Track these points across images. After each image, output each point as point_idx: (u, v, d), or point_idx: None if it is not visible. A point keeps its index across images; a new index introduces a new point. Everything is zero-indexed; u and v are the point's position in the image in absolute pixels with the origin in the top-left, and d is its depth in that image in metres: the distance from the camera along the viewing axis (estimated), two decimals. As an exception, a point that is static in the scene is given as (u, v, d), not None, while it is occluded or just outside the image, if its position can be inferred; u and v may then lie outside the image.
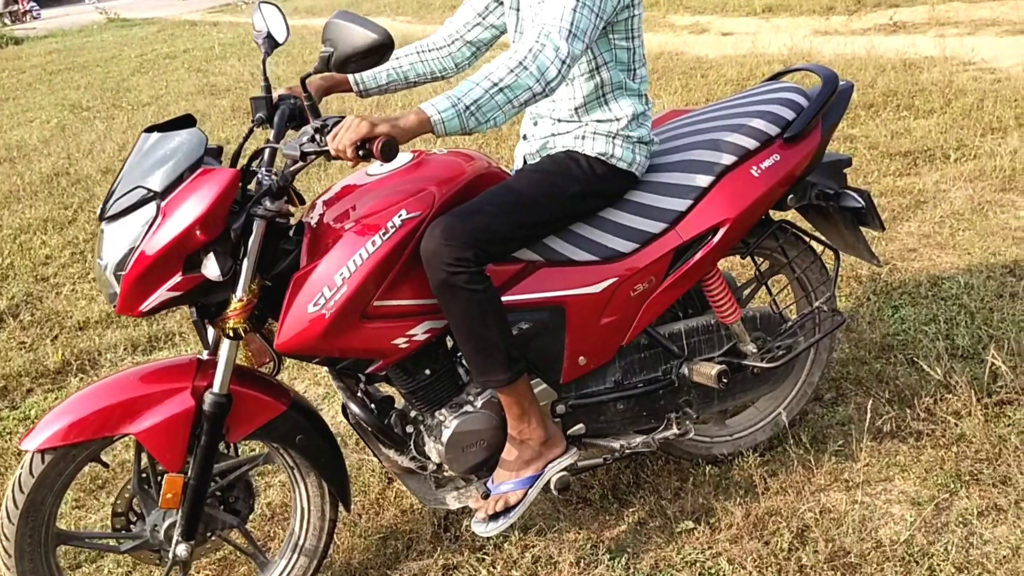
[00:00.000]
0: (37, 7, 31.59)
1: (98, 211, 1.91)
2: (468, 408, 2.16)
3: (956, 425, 2.64)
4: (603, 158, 2.15)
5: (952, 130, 5.13)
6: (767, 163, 2.30)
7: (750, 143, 2.30)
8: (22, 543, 1.95)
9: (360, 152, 1.74)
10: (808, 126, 2.35)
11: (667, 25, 10.45)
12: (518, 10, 2.18)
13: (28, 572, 1.98)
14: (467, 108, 1.79)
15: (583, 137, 2.16)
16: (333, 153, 1.75)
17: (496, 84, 1.80)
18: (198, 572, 2.41)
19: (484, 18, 2.29)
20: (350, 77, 2.26)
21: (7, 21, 28.09)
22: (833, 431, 2.74)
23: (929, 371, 2.79)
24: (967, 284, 3.42)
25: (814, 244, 2.60)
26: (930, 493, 2.41)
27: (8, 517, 1.93)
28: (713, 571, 2.26)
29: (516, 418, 2.13)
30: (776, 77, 2.69)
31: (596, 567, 2.31)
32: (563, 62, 1.84)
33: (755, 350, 2.44)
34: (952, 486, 2.42)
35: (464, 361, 2.13)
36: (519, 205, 2.06)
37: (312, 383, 3.40)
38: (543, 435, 2.16)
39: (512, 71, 1.81)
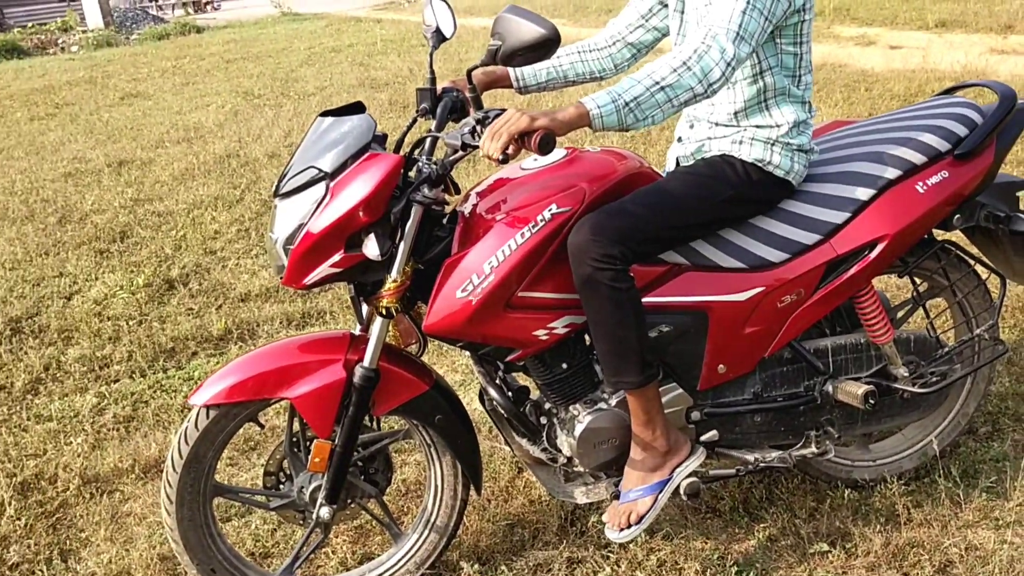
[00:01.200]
0: (218, -1, 33.63)
1: (272, 188, 2.05)
2: (602, 405, 2.18)
3: (1125, 473, 2.45)
4: (760, 164, 2.12)
5: None
6: (934, 179, 2.21)
7: (917, 158, 2.22)
8: (183, 492, 2.11)
9: (514, 146, 1.78)
10: (981, 144, 2.25)
11: (832, 36, 10.10)
12: (683, 12, 2.17)
13: (186, 519, 2.14)
14: (626, 104, 1.80)
15: (740, 142, 2.13)
16: (488, 147, 1.79)
17: (658, 82, 1.81)
18: (336, 537, 2.54)
19: (647, 20, 2.30)
20: (511, 72, 2.32)
21: (191, 11, 30.07)
22: (986, 467, 2.60)
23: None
24: None
25: (979, 268, 2.47)
26: (1089, 541, 2.26)
27: (173, 467, 2.09)
28: (845, 596, 2.20)
29: (641, 424, 2.13)
30: (949, 92, 2.57)
31: (722, 577, 2.29)
32: (728, 64, 1.83)
33: (906, 374, 2.35)
34: (1115, 537, 2.26)
35: (599, 359, 2.16)
36: (670, 206, 2.06)
37: (450, 369, 3.50)
38: (666, 444, 2.16)
39: (675, 70, 1.81)
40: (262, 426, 2.38)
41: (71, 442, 3.17)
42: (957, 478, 2.52)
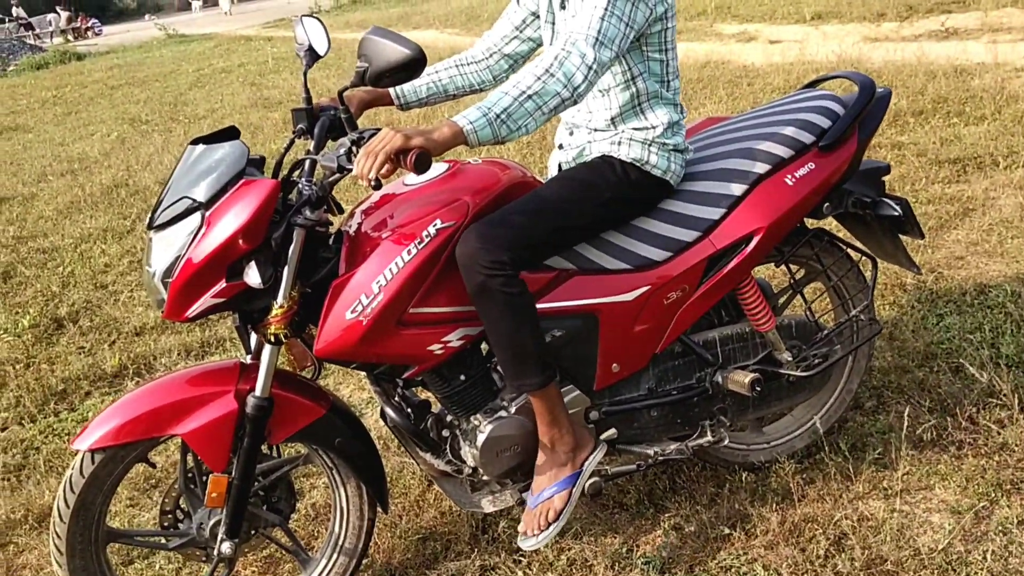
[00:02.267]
0: (99, 24, 32.57)
1: (146, 221, 2.00)
2: (502, 413, 2.20)
3: (999, 434, 2.60)
4: (638, 164, 2.18)
5: (1003, 137, 5.05)
6: (802, 171, 2.31)
7: (784, 151, 2.31)
8: (73, 541, 2.03)
9: (389, 167, 1.77)
10: (844, 134, 2.35)
11: (714, 34, 10.42)
12: (553, 24, 2.22)
13: (79, 569, 2.06)
14: (498, 116, 1.82)
15: (619, 143, 2.19)
16: (363, 168, 1.77)
17: (524, 92, 1.84)
18: (244, 568, 2.49)
19: (521, 31, 2.34)
20: (391, 91, 2.33)
21: (70, 37, 29.01)
22: (873, 439, 2.72)
23: (974, 376, 2.76)
24: (1014, 292, 3.37)
25: (852, 252, 2.59)
26: (970, 502, 2.39)
27: (60, 516, 2.01)
28: (748, 576, 2.27)
29: (547, 424, 2.16)
30: (813, 85, 2.68)
31: (631, 571, 2.33)
32: (589, 68, 1.87)
33: (790, 359, 2.45)
34: (992, 495, 2.40)
35: (498, 365, 2.18)
36: (553, 210, 2.10)
37: (357, 388, 3.47)
38: (573, 441, 2.20)
39: (539, 78, 1.84)
40: (153, 465, 2.32)
41: (-42, 496, 3.02)
42: (846, 452, 2.64)
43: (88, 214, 6.25)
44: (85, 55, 20.20)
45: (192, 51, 18.10)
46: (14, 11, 34.96)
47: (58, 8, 33.65)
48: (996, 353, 2.99)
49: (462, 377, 2.17)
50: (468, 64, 2.40)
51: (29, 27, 31.93)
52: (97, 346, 4.08)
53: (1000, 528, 2.29)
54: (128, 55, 19.31)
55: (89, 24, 32.63)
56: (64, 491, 2.01)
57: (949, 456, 2.59)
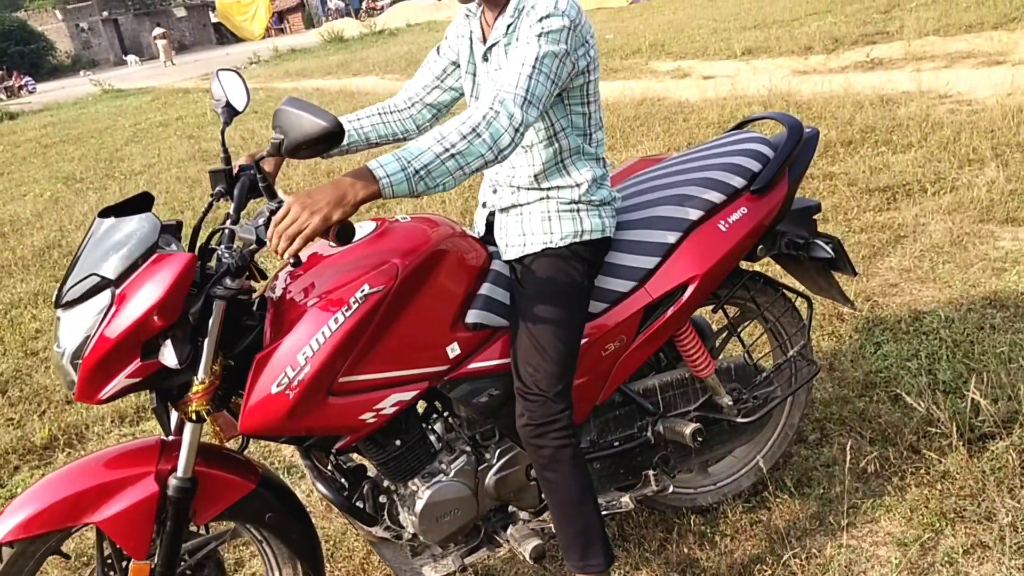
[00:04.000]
0: (32, 82, 32.09)
1: (53, 296, 1.91)
2: (441, 478, 2.15)
3: (940, 462, 2.63)
4: (577, 239, 2.14)
5: (930, 163, 5.19)
6: (734, 216, 2.31)
7: (716, 197, 2.31)
8: None
9: (302, 242, 1.68)
10: (775, 177, 2.36)
11: (649, 71, 10.61)
12: (474, 75, 2.21)
13: None
14: (416, 172, 1.74)
15: (549, 218, 2.14)
16: (279, 248, 1.69)
17: (447, 150, 1.77)
18: (183, 648, 2.38)
19: (442, 81, 2.32)
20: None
21: (2, 96, 28.52)
22: (818, 473, 2.73)
23: (913, 405, 2.79)
24: (948, 318, 3.43)
25: (787, 292, 2.60)
26: (916, 533, 2.40)
27: None
28: (700, 623, 2.24)
29: None
30: (742, 125, 2.70)
31: (583, 625, 2.28)
32: (516, 130, 1.82)
33: (731, 402, 2.45)
34: (937, 524, 2.41)
35: (560, 545, 2.14)
36: (566, 338, 2.08)
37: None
38: None
39: (465, 137, 1.79)
40: (68, 557, 2.19)
41: None
42: (792, 488, 2.64)
43: (19, 277, 6.07)
44: (18, 114, 19.82)
45: (129, 105, 17.88)
46: (-56, 70, 34.32)
47: (-10, 66, 33.12)
48: (933, 380, 3.03)
49: (397, 442, 2.10)
50: (391, 112, 2.37)
51: (-40, 87, 31.34)
52: (27, 417, 3.93)
53: (946, 559, 2.29)
54: (63, 112, 19.01)
55: (23, 82, 32.11)
56: None
57: (893, 487, 2.60)
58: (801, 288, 2.68)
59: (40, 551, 1.91)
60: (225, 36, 48.27)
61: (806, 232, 2.52)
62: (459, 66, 2.27)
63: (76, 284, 1.81)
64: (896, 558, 2.33)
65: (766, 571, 2.34)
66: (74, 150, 12.38)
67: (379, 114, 2.36)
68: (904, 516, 2.47)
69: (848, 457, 2.62)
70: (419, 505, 2.11)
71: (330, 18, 42.09)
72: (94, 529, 1.96)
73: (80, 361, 1.78)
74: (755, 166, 2.38)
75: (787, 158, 2.39)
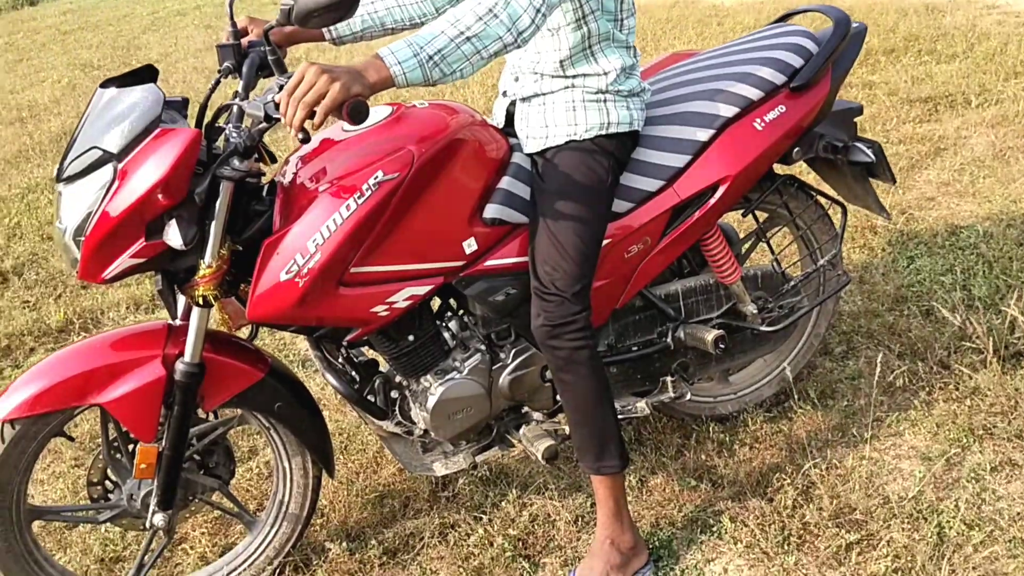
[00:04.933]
0: (51, -34, 31.45)
1: (54, 172, 1.82)
2: (454, 375, 2.09)
3: (971, 378, 2.55)
4: (602, 131, 2.02)
5: (975, 75, 4.96)
6: (772, 115, 2.18)
7: (753, 93, 2.17)
8: None
9: (320, 116, 1.56)
10: (817, 74, 2.21)
11: (684, -28, 10.17)
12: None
13: (4, 551, 1.94)
14: (430, 58, 1.60)
15: (574, 108, 2.01)
16: (290, 117, 1.56)
17: (463, 33, 1.62)
18: (194, 529, 2.39)
19: None
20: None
21: (21, -19, 28.02)
22: (842, 386, 2.66)
23: (945, 320, 2.70)
24: (986, 233, 3.30)
25: (821, 199, 2.48)
26: (941, 448, 2.34)
27: None
28: (714, 528, 2.21)
29: (611, 515, 2.07)
30: (784, 19, 2.53)
31: (594, 526, 2.25)
32: (537, 10, 1.68)
33: (755, 311, 2.36)
34: (964, 441, 2.35)
35: (575, 446, 2.07)
36: (589, 235, 1.98)
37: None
38: (632, 540, 2.09)
39: (481, 19, 1.64)
40: (72, 439, 2.17)
41: None
42: (815, 400, 2.58)
43: (36, 163, 6.00)
44: (37, 0, 19.47)
45: (148, -7, 17.49)
46: (-39, -47, 33.67)
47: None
48: (968, 296, 2.94)
49: (411, 338, 2.04)
50: None
51: (-23, -30, 30.79)
52: (42, 300, 3.91)
53: (972, 475, 2.24)
54: (81, -1, 18.64)
55: (41, -34, 31.49)
56: None
57: (920, 402, 2.53)
58: (835, 195, 2.55)
59: (43, 432, 1.89)
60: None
61: (846, 135, 2.38)
62: None
63: (77, 157, 1.73)
64: (920, 472, 2.27)
65: (785, 480, 2.29)
66: (92, 37, 12.15)
67: None
68: (930, 431, 2.41)
69: (876, 370, 2.55)
70: (431, 401, 2.07)
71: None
72: (99, 412, 1.94)
73: (83, 238, 1.72)
74: (797, 61, 2.23)
75: (831, 53, 2.24)
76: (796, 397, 2.57)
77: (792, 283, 2.45)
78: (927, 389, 2.57)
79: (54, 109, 7.69)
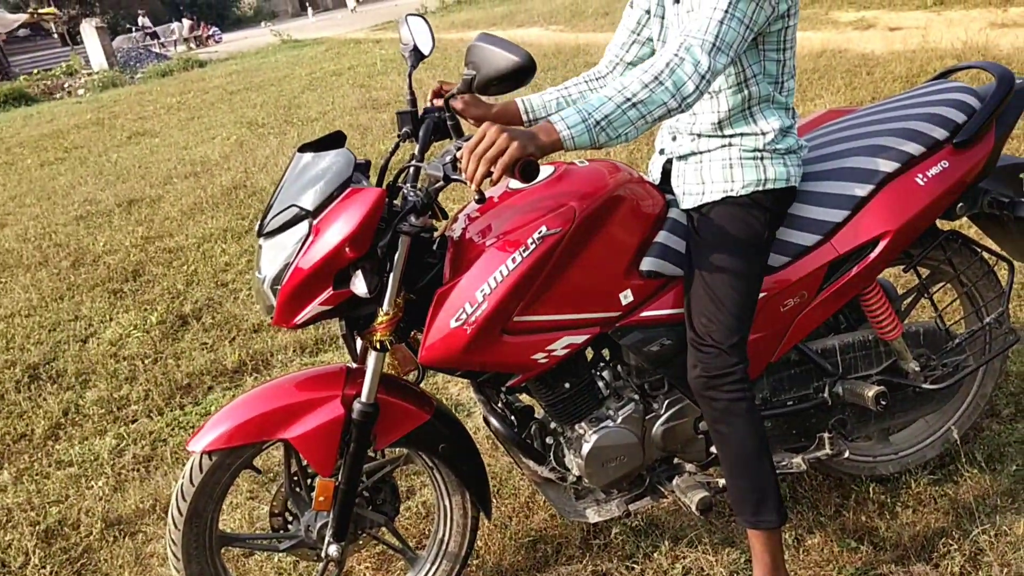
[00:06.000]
0: (219, 31, 34.05)
1: (256, 227, 2.02)
2: (608, 423, 2.15)
3: None
4: (759, 188, 2.05)
5: None
6: (934, 170, 2.16)
7: (915, 148, 2.17)
8: (189, 548, 2.08)
9: (497, 174, 1.65)
10: (981, 129, 2.19)
11: (830, 22, 10.05)
12: (662, 18, 2.14)
13: (196, 574, 2.12)
14: (597, 123, 1.69)
15: (731, 166, 2.06)
16: (471, 172, 1.66)
17: (629, 99, 1.70)
18: (359, 564, 2.53)
19: (639, 34, 2.23)
20: (520, 105, 2.24)
21: (192, 45, 30.40)
22: (1011, 449, 2.55)
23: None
24: None
25: (986, 255, 2.42)
26: (1123, 521, 2.21)
27: (174, 524, 2.07)
28: (875, 593, 2.16)
29: (768, 572, 2.08)
30: (944, 75, 2.51)
31: (748, 582, 2.25)
32: (703, 77, 1.74)
33: (918, 369, 2.31)
34: None
35: (731, 499, 2.11)
36: (744, 289, 2.02)
37: (465, 386, 3.48)
38: None
39: (647, 86, 1.71)
40: (259, 471, 2.34)
41: (92, 486, 3.18)
42: (983, 463, 2.48)
43: (209, 214, 6.50)
44: (206, 62, 21.08)
45: (304, 55, 18.64)
46: (140, 21, 36.87)
47: (184, 18, 35.32)
48: None
49: (567, 385, 2.13)
50: (596, 79, 2.31)
51: (154, 36, 33.62)
52: (218, 342, 4.23)
53: None
54: (246, 61, 20.05)
55: (210, 32, 34.09)
56: (176, 500, 2.06)
57: (1097, 470, 2.40)
58: (1001, 252, 2.48)
59: (236, 463, 2.07)
60: (394, -12, 49.30)
61: (1011, 191, 2.32)
62: (650, 13, 2.20)
63: (277, 215, 1.92)
64: (1099, 544, 2.16)
65: (952, 545, 2.22)
66: (256, 97, 13.06)
67: (585, 82, 2.32)
68: (1109, 501, 2.28)
69: (1048, 434, 2.44)
70: (585, 448, 2.13)
71: (496, -31, 42.13)
72: (282, 448, 2.11)
73: (279, 287, 1.90)
74: (959, 117, 2.21)
75: (995, 109, 2.20)
76: (963, 459, 2.49)
77: (956, 341, 2.39)
78: (1106, 456, 2.44)
79: (224, 164, 8.30)
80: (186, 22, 34.63)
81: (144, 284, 5.25)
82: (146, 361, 4.15)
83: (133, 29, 35.48)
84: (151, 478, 3.20)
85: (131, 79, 20.17)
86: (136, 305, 4.88)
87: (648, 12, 2.19)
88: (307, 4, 45.15)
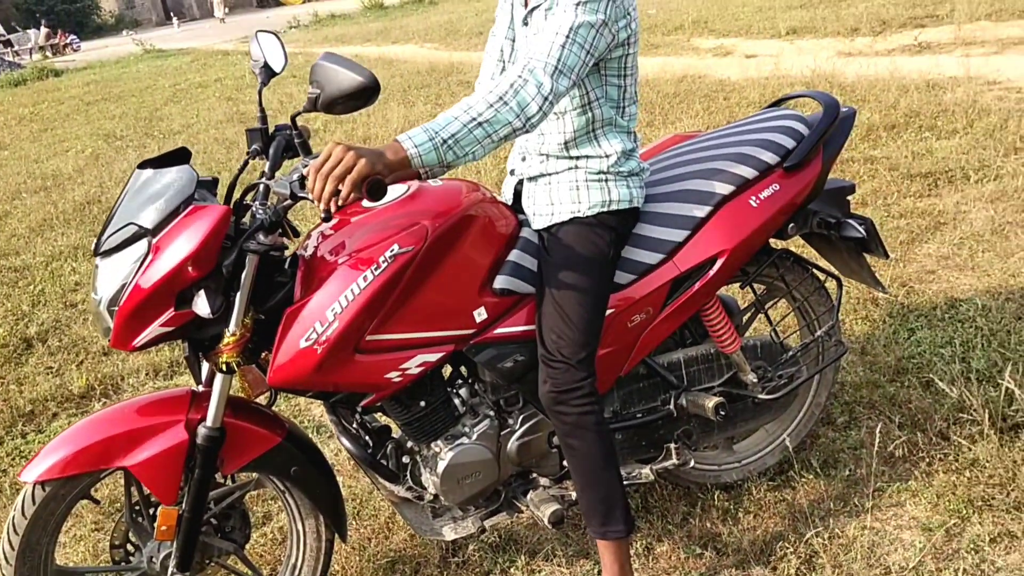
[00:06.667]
0: (77, 40, 32.44)
1: (92, 246, 1.94)
2: (464, 440, 2.17)
3: (970, 449, 2.60)
4: (604, 208, 2.13)
5: (974, 151, 5.09)
6: (766, 192, 2.29)
7: (749, 172, 2.29)
8: None
9: (345, 192, 1.64)
10: (809, 154, 2.33)
11: (691, 48, 10.47)
12: (512, 40, 2.19)
13: None
14: (444, 142, 1.71)
15: (578, 187, 2.13)
16: (318, 192, 1.65)
17: (475, 119, 1.74)
18: (208, 595, 2.44)
19: (504, 62, 2.27)
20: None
21: (48, 54, 28.86)
22: (845, 455, 2.71)
23: (944, 392, 2.76)
24: (984, 306, 3.38)
25: (817, 272, 2.58)
26: (941, 519, 2.38)
27: (5, 559, 1.95)
28: (718, 597, 2.25)
29: None
30: (778, 103, 2.67)
31: (601, 592, 2.30)
32: (545, 99, 1.80)
33: (755, 380, 2.44)
34: (964, 512, 2.39)
35: (582, 511, 2.15)
36: (592, 305, 2.07)
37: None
38: None
39: (492, 106, 1.75)
40: (97, 502, 2.23)
41: (-82, 523, 2.95)
42: (818, 469, 2.63)
43: (60, 231, 6.18)
44: (63, 71, 20.04)
45: (169, 66, 18.00)
46: (-9, 28, 34.76)
47: (40, 26, 33.49)
48: (967, 368, 3.00)
49: (422, 403, 2.13)
50: None
51: (7, 44, 31.71)
52: (65, 366, 4.02)
53: (972, 546, 2.28)
54: (105, 71, 19.18)
55: (68, 40, 32.40)
56: (8, 533, 1.94)
57: (920, 472, 2.58)
58: (831, 269, 2.65)
59: (71, 494, 1.97)
60: (265, 0, 48.34)
61: (839, 212, 2.49)
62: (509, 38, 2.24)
63: (114, 233, 1.84)
64: (920, 542, 2.32)
65: (788, 549, 2.34)
66: (115, 108, 12.52)
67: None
68: (930, 502, 2.46)
69: (876, 440, 2.60)
70: (441, 466, 2.14)
71: (372, -15, 41.86)
72: (123, 476, 2.02)
73: (116, 308, 1.82)
74: (789, 143, 2.35)
75: (822, 136, 2.36)
76: (799, 466, 2.63)
77: (791, 353, 2.53)
78: (927, 460, 2.62)
79: (78, 178, 7.91)
80: (43, 30, 32.84)
81: (-15, 305, 4.93)
82: (-16, 387, 3.89)
83: (-17, 35, 33.37)
84: (-14, 512, 3.00)
85: (-21, 87, 18.95)
86: (-25, 327, 4.58)
87: (506, 37, 2.23)
88: (172, 13, 43.64)
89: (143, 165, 1.92)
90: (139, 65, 19.22)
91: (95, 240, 1.89)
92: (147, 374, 3.85)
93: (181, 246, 1.79)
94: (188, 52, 20.99)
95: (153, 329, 1.83)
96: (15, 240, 6.15)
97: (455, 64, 11.78)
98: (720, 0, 14.31)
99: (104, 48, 27.13)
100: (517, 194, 2.28)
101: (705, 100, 7.25)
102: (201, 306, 1.83)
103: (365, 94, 1.75)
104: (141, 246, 1.82)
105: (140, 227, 1.82)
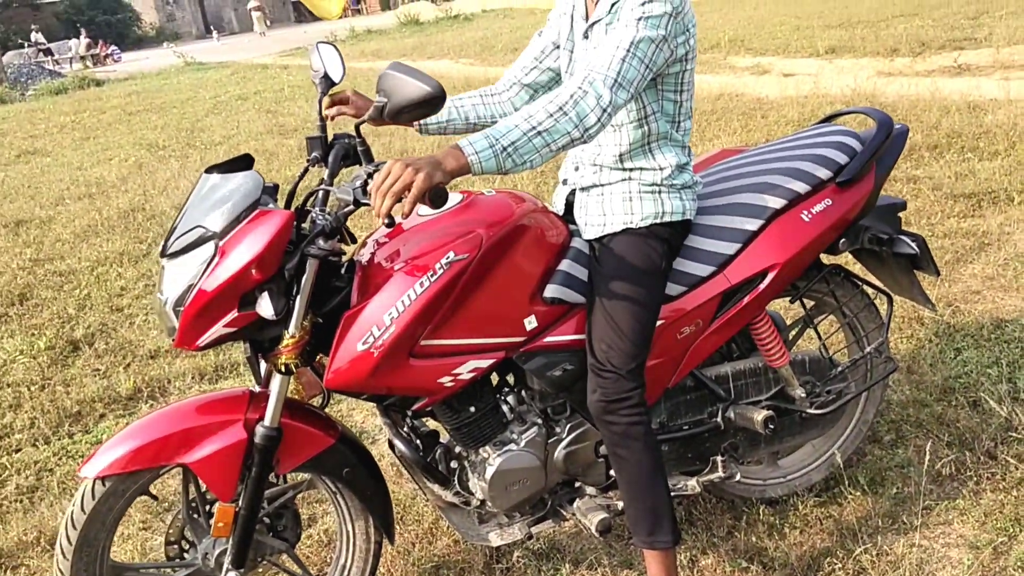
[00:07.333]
0: (118, 51, 33.06)
1: (159, 248, 1.98)
2: (512, 447, 2.19)
3: (1017, 468, 2.58)
4: (657, 220, 2.16)
5: (1017, 172, 5.05)
6: (818, 207, 2.30)
7: (801, 187, 2.30)
8: None
9: (409, 205, 1.69)
10: (861, 170, 2.34)
11: (727, 66, 10.48)
12: (572, 52, 2.23)
13: None
14: (504, 149, 1.76)
15: (631, 199, 2.15)
16: (377, 206, 1.70)
17: (535, 127, 1.78)
18: (256, 595, 2.47)
19: (541, 61, 2.34)
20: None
21: (89, 64, 29.43)
22: (892, 473, 2.70)
23: (992, 411, 2.74)
24: (1031, 327, 3.35)
25: (867, 288, 2.58)
26: (989, 537, 2.36)
27: (63, 552, 1.98)
28: (764, 611, 2.25)
29: None
30: (829, 119, 2.68)
31: (646, 603, 2.31)
32: (604, 110, 1.83)
33: (803, 395, 2.43)
34: (1011, 530, 2.37)
35: (629, 520, 2.16)
36: (644, 318, 2.09)
37: (370, 414, 3.47)
38: None
39: (551, 115, 1.79)
40: (155, 498, 2.28)
41: (-29, 518, 3.02)
42: (865, 486, 2.62)
43: (105, 237, 6.29)
44: (104, 81, 20.42)
45: (209, 78, 18.28)
46: (33, 36, 35.52)
47: (81, 35, 34.16)
48: (1014, 388, 2.97)
49: (472, 409, 2.16)
50: (491, 95, 2.40)
51: (48, 52, 32.40)
52: (112, 369, 4.09)
53: (1019, 563, 2.26)
54: (146, 82, 19.53)
55: (109, 51, 33.08)
56: (66, 528, 1.98)
57: (968, 491, 2.56)
58: (881, 286, 2.64)
59: (131, 490, 2.00)
60: (303, 15, 48.94)
61: (890, 228, 2.49)
62: (559, 46, 2.29)
63: (181, 235, 1.89)
64: (968, 560, 2.30)
65: (836, 565, 2.33)
66: (157, 119, 12.73)
67: (480, 96, 2.39)
68: (978, 520, 2.44)
69: (925, 459, 2.59)
70: (489, 472, 2.16)
71: (406, 1, 42.37)
72: (180, 473, 2.06)
73: (181, 309, 1.87)
74: (842, 158, 2.36)
75: (875, 152, 2.37)
76: (846, 483, 2.62)
77: (839, 369, 2.52)
78: (975, 479, 2.60)
79: (121, 186, 8.05)
80: (83, 40, 33.51)
81: (32, 308, 5.03)
82: (32, 388, 3.97)
83: (25, 45, 34.12)
84: (36, 509, 3.06)
85: (22, 96, 19.36)
86: (22, 330, 4.68)
87: (556, 45, 2.28)
88: (212, 27, 44.37)
89: (210, 170, 1.96)
90: (180, 77, 19.54)
91: (162, 242, 1.94)
92: (193, 377, 3.91)
93: (247, 249, 1.83)
94: (228, 65, 21.31)
95: (217, 329, 1.88)
96: (59, 245, 6.27)
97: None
98: (757, 19, 14.33)
99: (145, 59, 27.62)
100: (569, 205, 2.31)
101: (743, 118, 7.25)
102: (265, 308, 1.87)
103: (432, 103, 1.79)
104: (208, 249, 1.86)
105: (207, 230, 1.86)
